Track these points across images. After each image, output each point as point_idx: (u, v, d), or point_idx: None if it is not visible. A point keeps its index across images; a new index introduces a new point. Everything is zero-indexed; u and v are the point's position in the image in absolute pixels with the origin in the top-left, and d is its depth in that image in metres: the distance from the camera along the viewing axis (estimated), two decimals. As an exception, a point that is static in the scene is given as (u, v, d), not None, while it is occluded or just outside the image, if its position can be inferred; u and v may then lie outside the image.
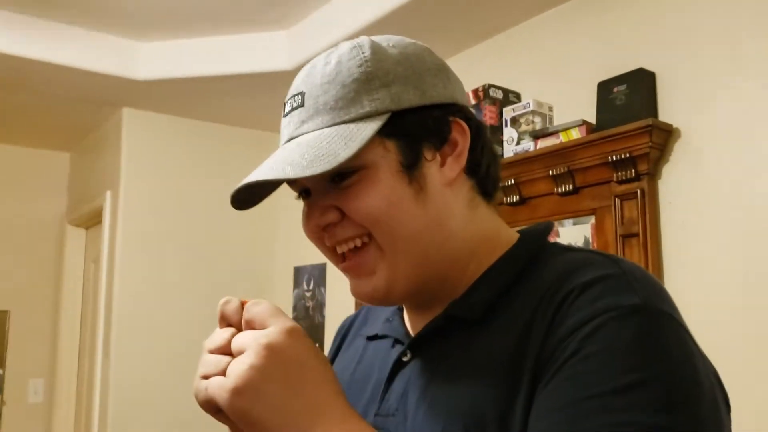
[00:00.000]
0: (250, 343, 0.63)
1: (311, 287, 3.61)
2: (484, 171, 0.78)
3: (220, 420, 0.67)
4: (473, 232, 0.77)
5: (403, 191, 0.71)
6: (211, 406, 0.64)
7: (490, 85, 2.30)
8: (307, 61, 0.76)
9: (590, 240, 2.07)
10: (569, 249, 0.76)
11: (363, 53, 0.72)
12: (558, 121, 2.22)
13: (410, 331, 0.82)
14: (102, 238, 3.54)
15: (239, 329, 0.67)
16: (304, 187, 0.76)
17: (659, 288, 0.65)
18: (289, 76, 3.04)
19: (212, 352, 0.67)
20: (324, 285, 3.52)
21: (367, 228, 0.72)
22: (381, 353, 0.84)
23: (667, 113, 2.00)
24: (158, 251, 3.51)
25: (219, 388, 0.62)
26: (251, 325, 0.65)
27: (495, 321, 0.70)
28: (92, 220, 3.91)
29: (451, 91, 0.76)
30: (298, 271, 3.72)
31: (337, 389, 0.65)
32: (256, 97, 3.37)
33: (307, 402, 0.62)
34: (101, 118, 3.65)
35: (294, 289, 3.73)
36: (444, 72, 0.77)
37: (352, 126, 0.69)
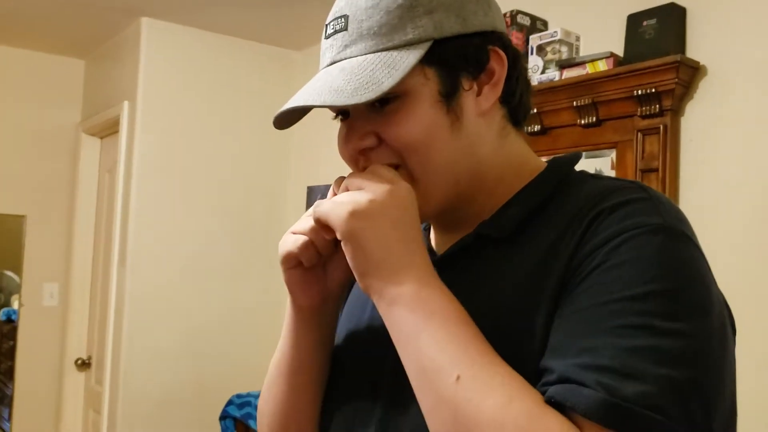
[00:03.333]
0: (374, 184, 0.69)
1: (323, 206, 3.64)
2: (518, 100, 0.80)
3: (289, 274, 0.79)
4: (502, 159, 0.80)
5: (441, 121, 0.74)
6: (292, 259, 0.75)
7: (518, 12, 2.28)
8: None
9: (604, 172, 2.09)
10: (596, 176, 0.79)
11: None
12: (584, 52, 2.20)
13: (436, 251, 0.86)
14: (119, 148, 3.55)
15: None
16: (343, 109, 0.78)
17: (681, 213, 0.70)
18: (313, -8, 3.00)
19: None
20: (336, 205, 3.55)
21: (402, 156, 0.74)
22: None
23: (695, 50, 1.99)
24: (174, 164, 3.54)
25: (339, 205, 0.69)
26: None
27: (523, 241, 0.74)
28: (107, 130, 3.91)
29: (492, 19, 0.77)
30: (312, 191, 3.75)
31: (427, 252, 0.72)
32: (280, 12, 3.32)
33: (408, 248, 0.69)
34: (118, 26, 3.61)
35: (307, 208, 3.77)
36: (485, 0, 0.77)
37: (395, 53, 0.71)
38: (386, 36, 0.72)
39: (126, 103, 3.53)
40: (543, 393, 0.61)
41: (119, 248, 3.50)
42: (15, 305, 4.17)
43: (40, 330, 4.03)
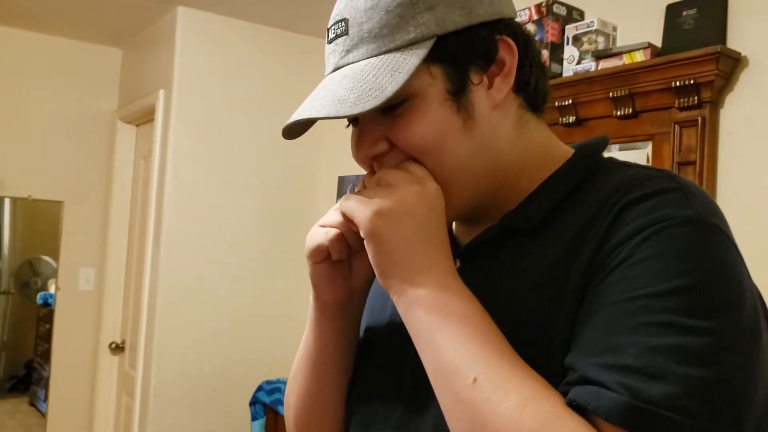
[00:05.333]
0: (403, 184, 0.69)
1: (355, 196, 3.65)
2: (533, 87, 0.77)
3: (315, 268, 0.77)
4: (522, 150, 0.77)
5: (452, 121, 0.71)
6: (320, 253, 0.74)
7: (554, 1, 2.24)
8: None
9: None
10: (625, 164, 0.76)
11: None
12: (621, 42, 2.17)
13: (460, 242, 0.84)
14: (154, 135, 3.59)
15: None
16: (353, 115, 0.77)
17: (713, 204, 0.67)
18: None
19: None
20: (368, 195, 3.56)
21: (417, 159, 0.72)
22: None
23: (736, 41, 1.95)
24: (208, 152, 3.57)
25: (365, 202, 0.69)
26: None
27: (549, 232, 0.72)
28: (143, 118, 3.96)
29: (498, 6, 0.74)
30: (342, 181, 3.76)
31: (450, 254, 0.71)
32: (313, 2, 3.33)
33: (430, 249, 0.69)
34: (154, 15, 3.65)
35: (337, 198, 3.79)
36: None
37: (397, 55, 0.69)
38: (387, 37, 0.69)
39: (161, 92, 3.57)
40: (565, 393, 0.60)
41: (153, 235, 3.55)
42: (52, 289, 4.25)
43: (76, 314, 4.10)
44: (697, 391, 0.55)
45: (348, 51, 0.72)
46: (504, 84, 0.73)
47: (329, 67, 0.74)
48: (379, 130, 0.73)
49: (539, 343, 0.65)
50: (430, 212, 0.69)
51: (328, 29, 0.75)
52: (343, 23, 0.72)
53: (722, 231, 0.64)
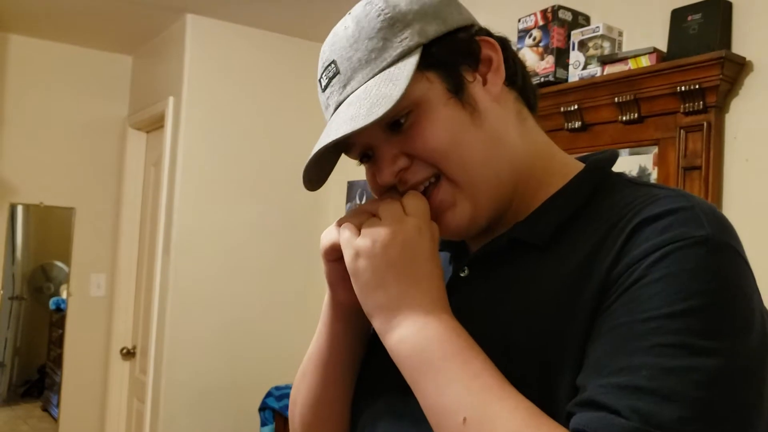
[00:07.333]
0: (384, 221, 0.71)
1: (364, 202, 3.67)
2: (521, 80, 0.81)
3: (329, 267, 0.79)
4: (529, 145, 0.79)
5: (460, 117, 0.74)
6: (334, 252, 0.77)
7: (560, 7, 2.25)
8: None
9: (647, 170, 2.06)
10: (636, 182, 0.76)
11: (377, 5, 0.75)
12: (627, 47, 2.17)
13: (468, 249, 0.85)
14: (164, 142, 3.62)
15: None
16: (364, 148, 0.79)
17: (727, 223, 0.67)
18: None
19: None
20: (376, 200, 3.57)
21: (437, 164, 0.74)
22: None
23: (741, 45, 1.95)
24: (217, 158, 3.59)
25: (348, 244, 0.72)
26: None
27: (559, 248, 0.72)
28: (153, 125, 3.99)
29: (468, 16, 0.79)
30: (352, 186, 3.77)
31: (441, 291, 0.72)
32: (320, 8, 3.34)
33: (403, 286, 0.70)
34: (164, 23, 3.68)
35: (347, 203, 3.80)
36: (454, 2, 0.79)
37: (392, 69, 0.72)
38: (378, 59, 0.73)
39: (171, 99, 3.59)
40: (571, 414, 0.60)
41: (163, 241, 3.57)
42: (64, 295, 4.28)
43: (88, 319, 4.13)
44: (707, 414, 0.56)
45: (345, 85, 0.75)
46: (497, 77, 0.77)
47: (331, 108, 0.77)
48: (394, 148, 0.75)
49: (549, 358, 0.66)
50: (404, 250, 0.70)
51: (319, 79, 0.78)
52: (333, 65, 0.76)
53: (735, 250, 0.64)
